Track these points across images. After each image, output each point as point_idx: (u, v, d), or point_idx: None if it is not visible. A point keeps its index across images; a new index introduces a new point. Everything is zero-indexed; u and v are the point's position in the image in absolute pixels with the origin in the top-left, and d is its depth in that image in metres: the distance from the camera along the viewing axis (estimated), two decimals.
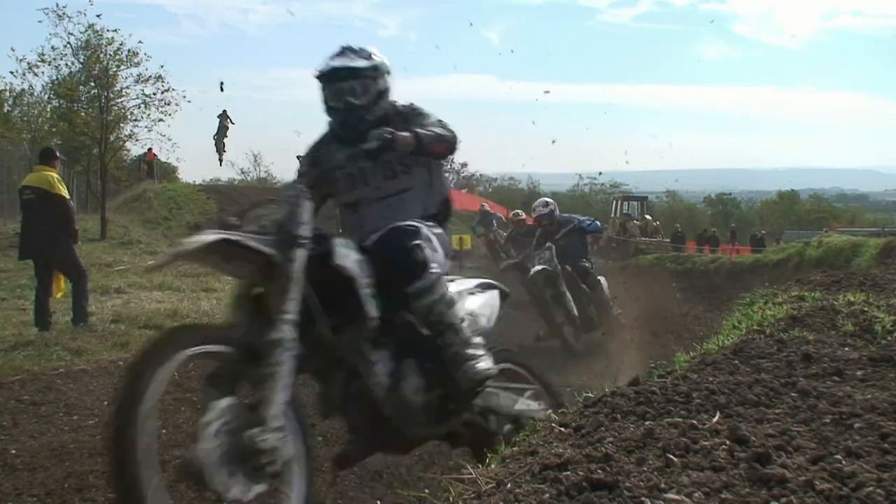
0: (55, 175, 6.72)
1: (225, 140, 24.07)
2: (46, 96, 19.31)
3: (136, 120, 16.62)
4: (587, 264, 7.63)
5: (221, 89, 18.99)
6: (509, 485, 1.46)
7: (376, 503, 3.02)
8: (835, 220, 34.83)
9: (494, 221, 17.05)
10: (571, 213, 8.73)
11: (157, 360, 1.77)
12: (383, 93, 2.70)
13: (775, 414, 1.72)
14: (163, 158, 21.99)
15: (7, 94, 20.85)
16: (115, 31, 16.13)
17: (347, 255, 2.28)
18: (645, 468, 1.40)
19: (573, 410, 2.03)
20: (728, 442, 1.48)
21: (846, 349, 2.50)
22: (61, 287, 6.77)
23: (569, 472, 1.42)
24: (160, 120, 16.48)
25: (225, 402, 1.85)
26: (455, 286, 2.73)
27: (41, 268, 6.59)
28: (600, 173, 43.49)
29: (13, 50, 21.69)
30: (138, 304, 8.10)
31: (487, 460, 1.83)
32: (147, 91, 16.23)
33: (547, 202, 7.89)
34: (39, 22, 15.80)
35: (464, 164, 42.98)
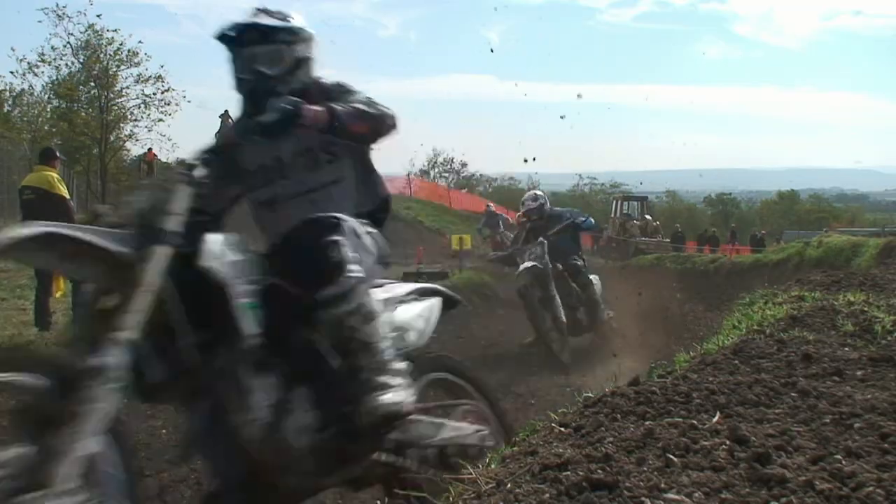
0: (55, 175, 6.72)
1: None
2: (46, 96, 19.34)
3: (136, 120, 16.67)
4: (579, 262, 7.13)
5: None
6: (509, 485, 1.46)
7: (376, 503, 3.01)
8: (835, 220, 34.84)
9: (501, 222, 17.01)
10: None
11: None
12: (302, 62, 2.27)
13: (775, 414, 1.72)
14: (163, 158, 22.02)
15: (7, 94, 20.88)
16: (115, 31, 16.16)
17: (219, 255, 1.81)
18: (645, 468, 1.40)
19: (573, 410, 2.02)
20: (728, 442, 1.48)
21: (846, 349, 2.50)
22: (61, 287, 6.77)
23: (569, 472, 1.42)
24: (160, 120, 16.53)
25: (12, 452, 1.41)
26: (383, 293, 2.26)
27: (41, 268, 6.59)
28: (595, 179, 43.57)
29: (13, 50, 21.77)
30: None
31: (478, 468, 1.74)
32: (147, 91, 16.27)
33: (536, 195, 7.34)
34: (39, 22, 15.85)
35: (464, 164, 43.01)
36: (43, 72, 16.51)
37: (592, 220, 7.43)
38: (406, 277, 10.03)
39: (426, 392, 2.40)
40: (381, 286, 2.29)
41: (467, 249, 13.98)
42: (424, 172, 40.45)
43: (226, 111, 23.82)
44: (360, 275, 2.02)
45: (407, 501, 1.98)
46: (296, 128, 2.07)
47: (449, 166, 42.76)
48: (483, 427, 2.46)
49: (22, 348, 3.43)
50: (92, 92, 16.47)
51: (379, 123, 2.24)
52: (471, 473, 1.61)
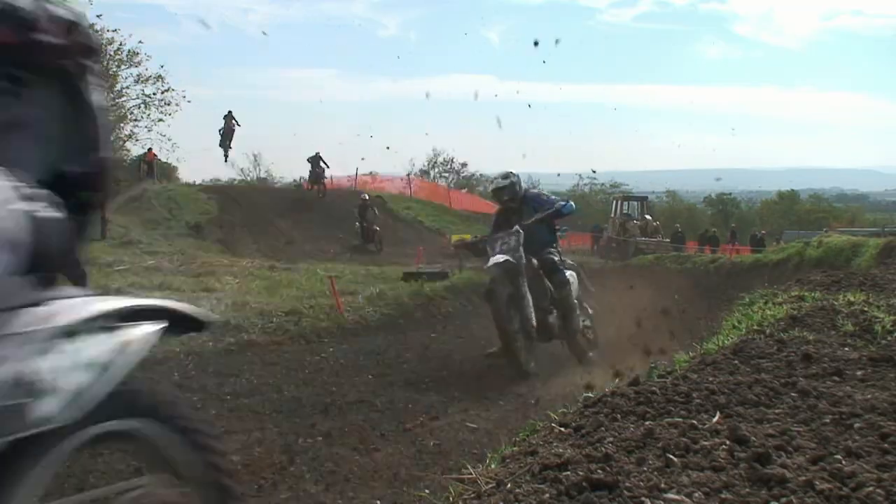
0: None
1: (230, 141, 24.21)
2: None
3: (136, 120, 16.67)
4: (555, 256, 5.95)
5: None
6: (509, 485, 1.46)
7: (376, 503, 3.01)
8: (835, 220, 34.85)
9: None
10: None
11: None
12: None
13: (775, 414, 1.72)
14: (163, 158, 22.04)
15: None
16: (115, 31, 16.16)
17: None
18: (645, 468, 1.40)
19: (573, 410, 2.03)
20: (728, 442, 1.48)
21: (846, 349, 2.50)
22: None
23: (569, 472, 1.42)
24: (160, 120, 16.52)
25: None
26: (22, 325, 1.28)
27: None
28: (595, 179, 43.55)
29: None
30: None
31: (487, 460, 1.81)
32: (147, 91, 16.27)
33: (508, 173, 6.12)
34: None
35: (464, 164, 43.01)
36: None
37: (573, 204, 6.33)
38: (406, 277, 10.04)
39: (80, 456, 1.62)
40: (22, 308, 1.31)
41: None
42: (424, 172, 40.48)
43: (229, 112, 23.94)
44: None
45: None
46: None
47: (449, 166, 42.80)
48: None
49: None
50: None
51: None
52: (471, 473, 1.62)
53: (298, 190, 24.31)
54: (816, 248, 10.47)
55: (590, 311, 6.39)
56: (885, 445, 1.43)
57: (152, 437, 1.49)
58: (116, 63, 16.04)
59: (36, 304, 1.36)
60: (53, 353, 1.32)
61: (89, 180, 1.52)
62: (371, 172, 30.56)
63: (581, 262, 8.33)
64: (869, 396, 1.80)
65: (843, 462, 1.35)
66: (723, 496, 1.24)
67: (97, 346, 1.40)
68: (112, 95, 16.19)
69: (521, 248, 5.54)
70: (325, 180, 22.51)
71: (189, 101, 17.09)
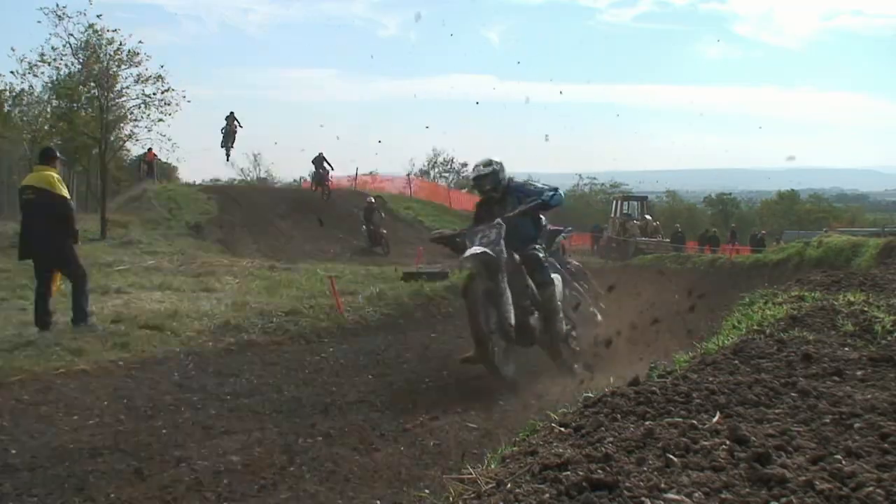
0: (55, 175, 6.72)
1: (232, 142, 24.24)
2: (46, 96, 19.33)
3: (136, 120, 16.62)
4: (539, 253, 5.49)
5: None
6: (509, 485, 1.46)
7: (376, 503, 3.01)
8: (835, 220, 34.84)
9: None
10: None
11: None
12: None
13: (775, 414, 1.72)
14: (163, 158, 22.03)
15: (7, 94, 20.87)
16: (115, 31, 16.14)
17: None
18: (645, 468, 1.40)
19: (573, 410, 2.03)
20: (728, 442, 1.48)
21: (846, 349, 2.50)
22: (58, 286, 6.77)
23: (569, 472, 1.42)
24: (160, 120, 16.48)
25: None
26: None
27: (41, 268, 6.59)
28: (595, 179, 43.50)
29: (13, 50, 21.69)
30: (138, 305, 8.10)
31: (487, 460, 1.82)
32: (147, 91, 16.24)
33: (490, 160, 5.63)
34: (39, 22, 15.81)
35: (464, 164, 42.99)
36: (43, 72, 16.49)
37: (562, 194, 5.75)
38: (406, 277, 10.04)
39: None
40: None
41: None
42: (424, 172, 40.48)
43: (231, 113, 23.96)
44: None
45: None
46: None
47: (449, 166, 42.81)
48: None
49: None
50: (92, 92, 16.46)
51: None
52: (471, 473, 1.61)
53: (298, 190, 24.34)
54: (816, 248, 10.47)
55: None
56: (885, 445, 1.43)
57: None
58: (116, 63, 16.00)
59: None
60: None
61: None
62: (371, 172, 30.60)
63: (581, 263, 8.31)
64: (869, 396, 1.80)
65: (843, 462, 1.35)
66: (723, 496, 1.24)
67: None
68: (112, 95, 16.18)
69: (503, 242, 5.09)
70: (329, 182, 22.55)
71: (189, 101, 17.03)
